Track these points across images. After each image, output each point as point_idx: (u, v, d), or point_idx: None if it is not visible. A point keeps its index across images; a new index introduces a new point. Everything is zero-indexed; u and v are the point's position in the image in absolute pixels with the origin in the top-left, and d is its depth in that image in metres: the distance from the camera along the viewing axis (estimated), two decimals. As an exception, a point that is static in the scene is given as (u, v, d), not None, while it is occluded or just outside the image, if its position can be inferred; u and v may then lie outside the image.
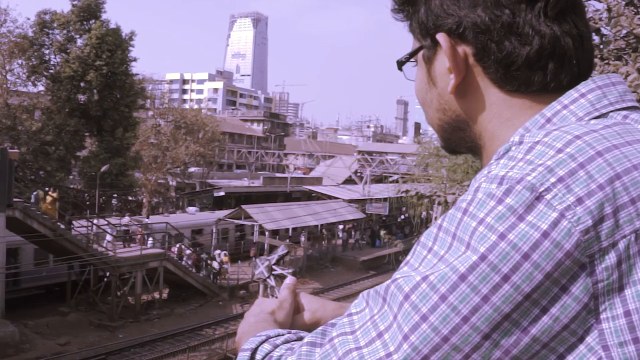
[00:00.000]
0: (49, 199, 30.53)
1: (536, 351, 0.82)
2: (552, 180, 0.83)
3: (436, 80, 1.10)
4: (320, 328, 1.01)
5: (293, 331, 1.14)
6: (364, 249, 53.83)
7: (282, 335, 1.11)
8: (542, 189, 0.82)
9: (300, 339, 1.07)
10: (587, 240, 0.80)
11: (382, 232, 52.66)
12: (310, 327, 1.23)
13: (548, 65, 0.99)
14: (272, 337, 1.10)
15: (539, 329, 0.81)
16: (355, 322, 0.93)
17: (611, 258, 0.81)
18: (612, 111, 0.95)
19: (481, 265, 0.81)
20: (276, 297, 1.36)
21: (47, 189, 32.76)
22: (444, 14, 1.04)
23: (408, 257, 0.92)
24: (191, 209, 53.36)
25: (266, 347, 1.07)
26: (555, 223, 0.81)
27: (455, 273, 0.83)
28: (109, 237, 33.41)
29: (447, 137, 1.16)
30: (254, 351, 1.08)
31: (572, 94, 0.97)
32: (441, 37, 1.03)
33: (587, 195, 0.81)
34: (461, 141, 1.14)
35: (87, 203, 42.24)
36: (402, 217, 60.49)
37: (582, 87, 0.98)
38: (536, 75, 0.99)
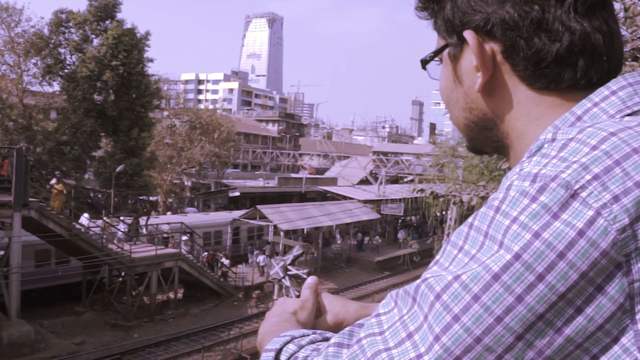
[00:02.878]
0: (53, 192, 30.36)
1: (570, 352, 0.81)
2: (588, 177, 0.81)
3: (462, 78, 1.09)
4: (347, 329, 0.99)
5: (318, 331, 1.12)
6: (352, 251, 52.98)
7: (307, 335, 1.09)
8: (577, 186, 0.81)
9: (326, 339, 1.05)
10: (623, 239, 0.78)
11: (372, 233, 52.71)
12: (332, 329, 1.22)
13: (578, 62, 0.97)
14: (297, 338, 1.09)
15: (573, 330, 0.80)
16: (383, 322, 0.91)
17: None
18: None
19: (515, 265, 0.80)
20: (293, 297, 1.35)
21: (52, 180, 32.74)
22: (471, 10, 1.02)
23: (437, 257, 0.90)
24: (190, 209, 53.22)
25: (291, 347, 1.06)
26: (591, 221, 0.79)
27: (489, 272, 0.81)
28: (120, 236, 33.70)
29: (473, 136, 1.15)
30: (279, 351, 1.07)
31: (602, 91, 0.96)
32: (468, 34, 1.02)
33: (623, 192, 0.80)
34: (487, 140, 1.13)
35: (102, 203, 42.37)
36: (401, 220, 60.06)
37: (613, 84, 0.96)
38: (566, 72, 0.98)
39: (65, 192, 31.62)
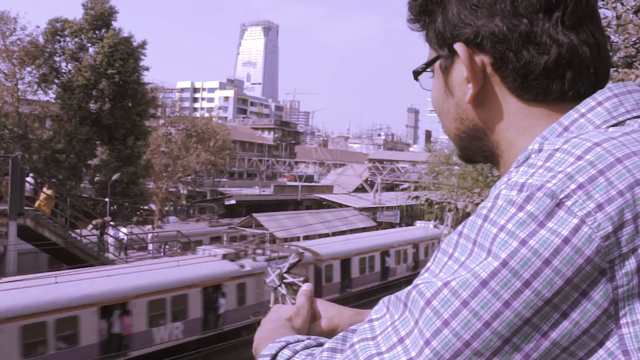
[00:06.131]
0: (42, 196, 29.97)
1: (556, 355, 0.83)
2: (572, 187, 0.83)
3: (453, 89, 1.10)
4: (340, 334, 1.01)
5: (312, 337, 1.14)
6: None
7: (302, 341, 1.11)
8: (563, 195, 0.83)
9: (320, 345, 1.07)
10: (607, 246, 0.80)
11: None
12: (327, 334, 1.24)
13: (566, 74, 0.99)
14: (292, 343, 1.10)
15: (559, 334, 0.81)
16: (376, 327, 0.93)
17: (631, 264, 0.80)
18: (629, 119, 0.95)
19: (502, 271, 0.82)
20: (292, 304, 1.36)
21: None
22: (461, 23, 1.04)
23: (428, 264, 0.92)
24: (172, 218, 53.01)
25: (286, 352, 1.08)
26: (575, 229, 0.81)
27: (477, 279, 0.83)
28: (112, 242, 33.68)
29: (465, 146, 1.17)
30: (274, 357, 1.08)
31: (589, 102, 0.98)
32: (459, 46, 1.04)
33: (607, 201, 0.81)
34: (478, 150, 1.15)
35: (98, 212, 42.25)
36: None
37: (599, 95, 0.98)
38: (554, 84, 1.00)
39: (55, 196, 31.42)
